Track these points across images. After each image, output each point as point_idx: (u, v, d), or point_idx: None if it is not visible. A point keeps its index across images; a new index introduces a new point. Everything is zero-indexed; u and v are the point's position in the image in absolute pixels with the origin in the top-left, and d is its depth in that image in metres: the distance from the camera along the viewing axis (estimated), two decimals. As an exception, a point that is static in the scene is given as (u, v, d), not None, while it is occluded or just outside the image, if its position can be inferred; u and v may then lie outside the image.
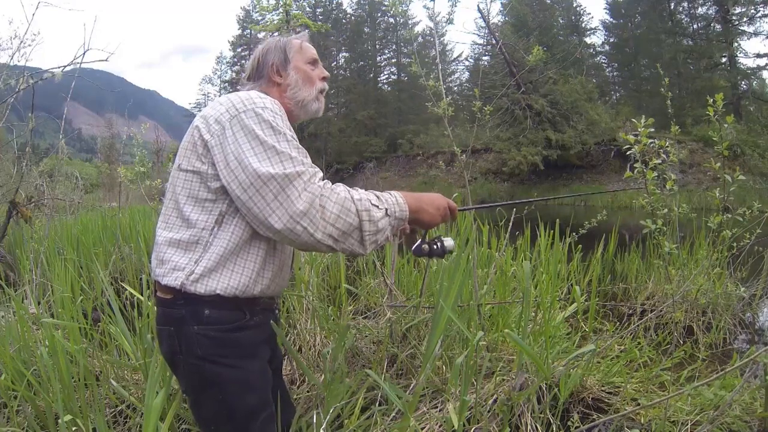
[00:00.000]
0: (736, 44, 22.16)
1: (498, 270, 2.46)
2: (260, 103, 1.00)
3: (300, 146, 0.99)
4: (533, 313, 2.04)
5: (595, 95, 22.15)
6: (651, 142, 2.00)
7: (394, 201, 1.06)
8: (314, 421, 0.98)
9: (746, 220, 2.45)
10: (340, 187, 0.99)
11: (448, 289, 1.16)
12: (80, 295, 2.48)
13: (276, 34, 1.31)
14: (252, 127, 0.95)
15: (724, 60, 22.84)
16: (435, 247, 1.26)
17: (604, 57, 29.67)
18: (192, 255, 1.01)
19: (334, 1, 38.03)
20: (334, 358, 1.55)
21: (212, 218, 1.01)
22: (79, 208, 6.07)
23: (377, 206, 1.01)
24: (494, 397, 1.67)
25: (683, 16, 24.92)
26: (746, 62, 22.65)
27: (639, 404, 1.67)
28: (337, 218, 0.94)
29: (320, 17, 34.99)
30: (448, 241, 1.28)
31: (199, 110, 1.23)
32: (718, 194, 2.35)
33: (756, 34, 21.57)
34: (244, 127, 0.96)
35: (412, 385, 1.71)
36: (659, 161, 2.01)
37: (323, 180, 0.98)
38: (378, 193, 1.06)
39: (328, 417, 0.95)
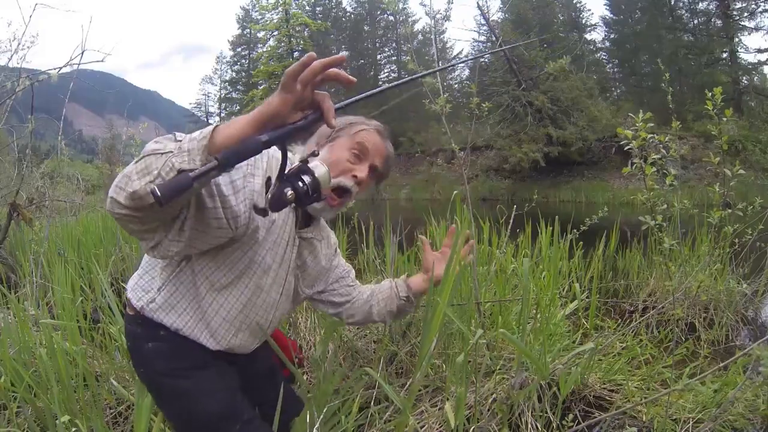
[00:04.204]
0: (736, 39, 22.05)
1: (498, 267, 2.45)
2: None
3: None
4: (533, 311, 2.03)
5: (595, 91, 22.08)
6: (650, 137, 1.99)
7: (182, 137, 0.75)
8: (308, 420, 0.98)
9: (748, 215, 2.44)
10: None
11: (443, 285, 1.15)
12: (80, 296, 2.48)
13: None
14: None
15: (725, 55, 22.71)
16: (302, 183, 0.77)
17: (604, 53, 29.55)
18: (157, 283, 1.05)
19: (334, 0, 37.99)
20: (321, 350, 1.54)
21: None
22: (80, 210, 6.08)
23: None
24: (494, 395, 1.66)
25: (683, 12, 24.78)
26: (747, 57, 22.58)
27: (639, 401, 1.66)
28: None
29: (320, 16, 34.95)
30: (319, 168, 0.80)
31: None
32: (717, 189, 2.34)
33: (757, 29, 21.45)
34: None
35: (408, 383, 1.70)
36: (658, 156, 2.00)
37: None
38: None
39: (321, 416, 0.95)
